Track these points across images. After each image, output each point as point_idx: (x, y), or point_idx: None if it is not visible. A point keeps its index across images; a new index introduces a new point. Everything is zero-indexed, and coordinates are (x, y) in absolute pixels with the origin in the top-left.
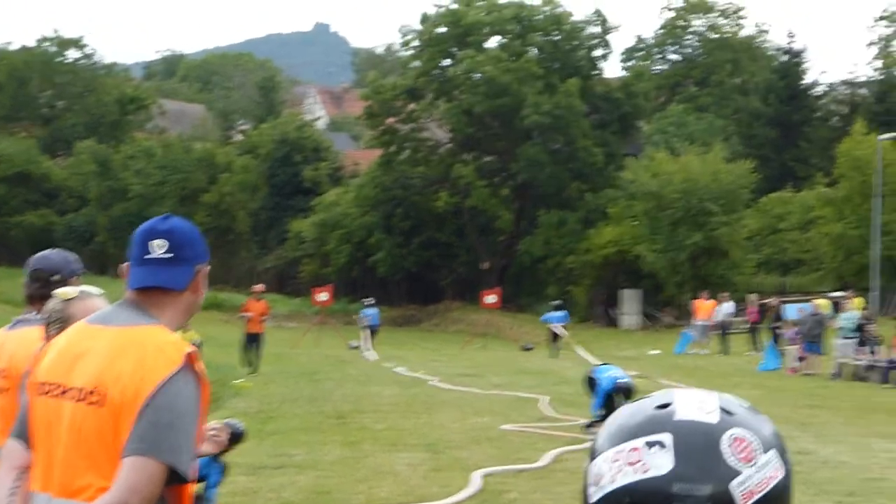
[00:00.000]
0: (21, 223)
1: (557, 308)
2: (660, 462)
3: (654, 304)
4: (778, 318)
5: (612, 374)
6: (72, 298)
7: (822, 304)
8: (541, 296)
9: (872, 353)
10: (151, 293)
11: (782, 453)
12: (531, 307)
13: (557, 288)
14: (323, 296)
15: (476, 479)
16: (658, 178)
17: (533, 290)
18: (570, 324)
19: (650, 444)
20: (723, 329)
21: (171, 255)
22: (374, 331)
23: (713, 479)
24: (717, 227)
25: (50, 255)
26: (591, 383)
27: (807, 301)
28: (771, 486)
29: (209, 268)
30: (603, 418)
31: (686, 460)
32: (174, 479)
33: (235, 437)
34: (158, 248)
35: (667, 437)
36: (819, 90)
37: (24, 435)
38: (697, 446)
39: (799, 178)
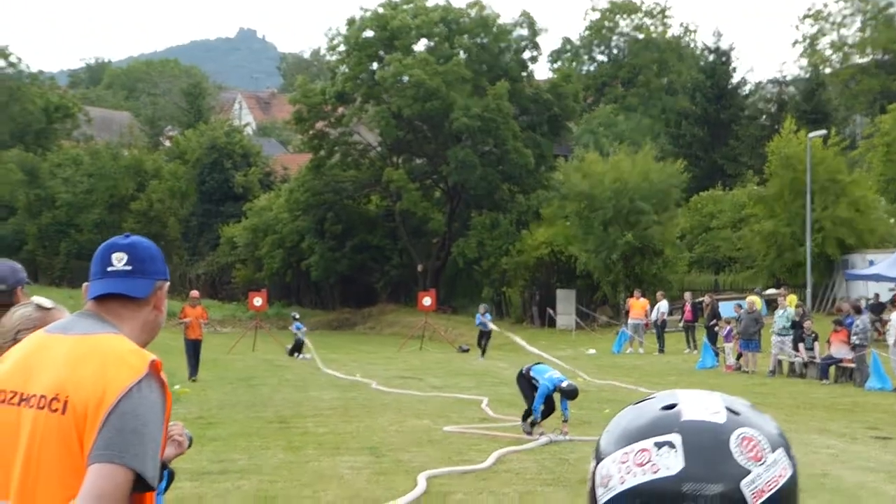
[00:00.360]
0: None
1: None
2: (669, 462)
3: (589, 304)
4: (713, 315)
5: (552, 374)
6: (50, 308)
7: (755, 301)
8: (476, 297)
9: (810, 349)
10: (111, 304)
11: (789, 452)
12: (465, 309)
13: (492, 289)
14: (257, 300)
15: (421, 481)
16: (589, 179)
17: (468, 291)
18: (505, 324)
19: (659, 445)
20: (658, 327)
21: (131, 267)
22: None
23: (724, 479)
24: (649, 226)
25: None
26: (525, 381)
27: (741, 298)
28: (780, 484)
29: (168, 285)
30: (544, 416)
31: (696, 460)
32: (138, 486)
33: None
34: (118, 261)
35: (676, 438)
36: (747, 89)
37: None
38: (707, 446)
39: (729, 176)
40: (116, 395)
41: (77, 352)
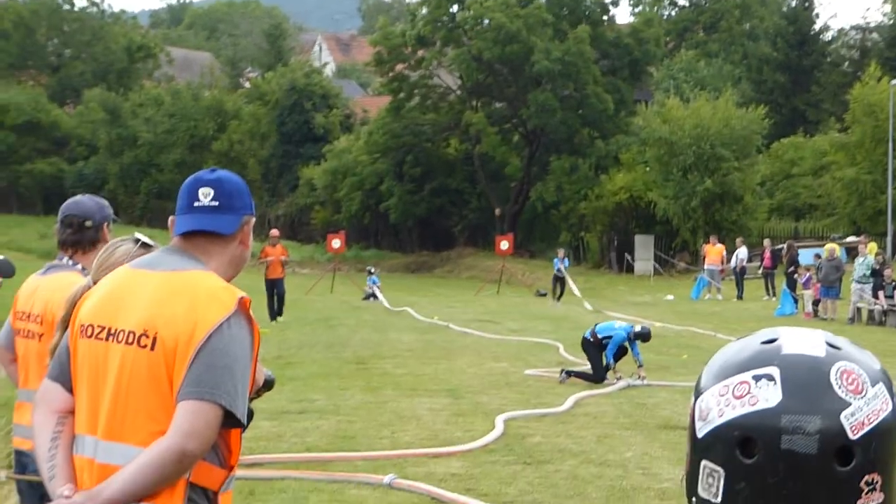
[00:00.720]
0: (31, 171)
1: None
2: (768, 395)
3: (668, 250)
4: (793, 263)
5: (620, 324)
6: (152, 246)
7: (835, 248)
8: (553, 242)
9: (890, 297)
10: (198, 240)
11: (889, 388)
12: (543, 253)
13: (570, 234)
14: (336, 242)
15: (499, 424)
16: (669, 125)
17: (545, 236)
18: (583, 269)
19: (757, 378)
20: (738, 274)
21: (217, 203)
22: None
23: (822, 411)
24: (730, 172)
25: (83, 201)
26: (591, 345)
27: (821, 246)
28: (881, 417)
29: (254, 221)
30: (616, 359)
31: (795, 393)
32: (227, 422)
33: (266, 385)
34: (205, 196)
35: (775, 371)
36: (829, 35)
37: (62, 378)
38: (806, 379)
39: (810, 122)
40: (207, 332)
41: (166, 288)
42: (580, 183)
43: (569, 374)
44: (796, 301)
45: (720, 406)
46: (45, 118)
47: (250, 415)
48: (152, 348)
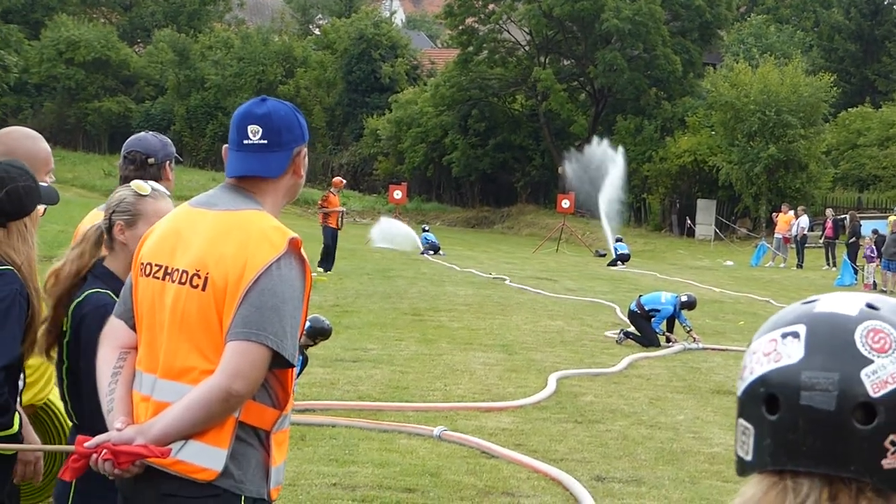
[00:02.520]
0: (98, 109)
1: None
2: (791, 351)
3: (730, 216)
4: (855, 233)
5: (667, 296)
6: (145, 195)
7: None
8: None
9: None
10: (251, 178)
11: None
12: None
13: (632, 195)
14: (397, 193)
15: (552, 382)
16: (737, 89)
17: None
18: (643, 231)
19: (784, 335)
20: (798, 243)
21: (267, 140)
22: (436, 250)
23: (842, 367)
24: (795, 140)
25: (147, 138)
26: (638, 316)
27: (884, 218)
28: None
29: (306, 149)
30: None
31: (817, 349)
32: (276, 363)
33: (323, 333)
34: (253, 134)
35: (801, 328)
36: None
37: (125, 315)
38: (829, 336)
39: (880, 93)
40: (256, 272)
41: (220, 228)
42: (645, 144)
43: (626, 334)
44: (856, 272)
45: (751, 364)
46: (114, 56)
47: (306, 361)
48: (203, 288)
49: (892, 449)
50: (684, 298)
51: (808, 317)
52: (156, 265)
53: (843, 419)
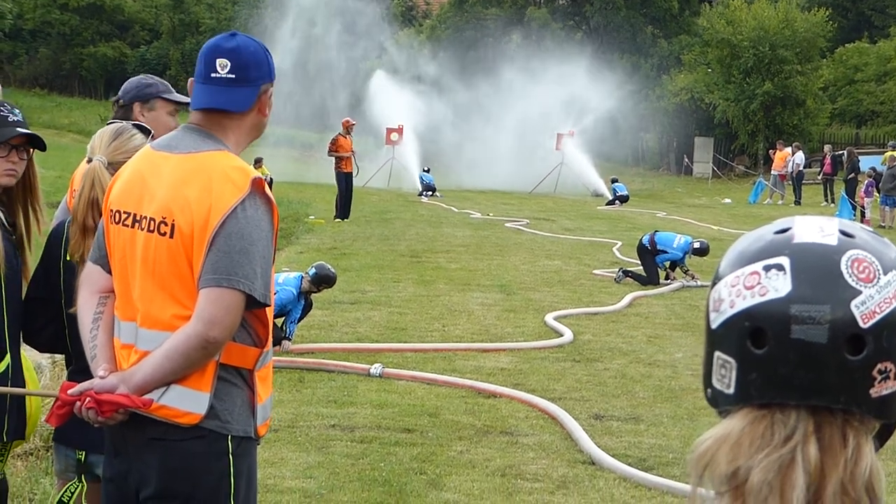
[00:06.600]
0: (94, 55)
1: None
2: (778, 284)
3: (727, 153)
4: (853, 169)
5: (679, 241)
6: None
7: (895, 156)
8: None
9: None
10: (214, 115)
11: None
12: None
13: (630, 133)
14: (394, 136)
15: (549, 321)
16: (733, 26)
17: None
18: (642, 171)
19: (768, 268)
20: (795, 179)
21: (234, 75)
22: (433, 191)
23: (833, 300)
24: (791, 76)
25: (130, 80)
26: (646, 252)
27: (882, 153)
28: (894, 305)
29: (272, 88)
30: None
31: (804, 282)
32: (252, 303)
33: (328, 280)
34: (221, 67)
35: (784, 260)
36: None
37: (101, 260)
38: (816, 268)
39: (876, 27)
40: (221, 216)
41: (182, 171)
42: (641, 83)
43: (626, 273)
44: (854, 208)
45: (731, 297)
46: (108, 1)
47: (310, 306)
48: (171, 235)
49: (879, 378)
50: (697, 245)
51: (790, 248)
52: (124, 212)
53: (835, 351)
